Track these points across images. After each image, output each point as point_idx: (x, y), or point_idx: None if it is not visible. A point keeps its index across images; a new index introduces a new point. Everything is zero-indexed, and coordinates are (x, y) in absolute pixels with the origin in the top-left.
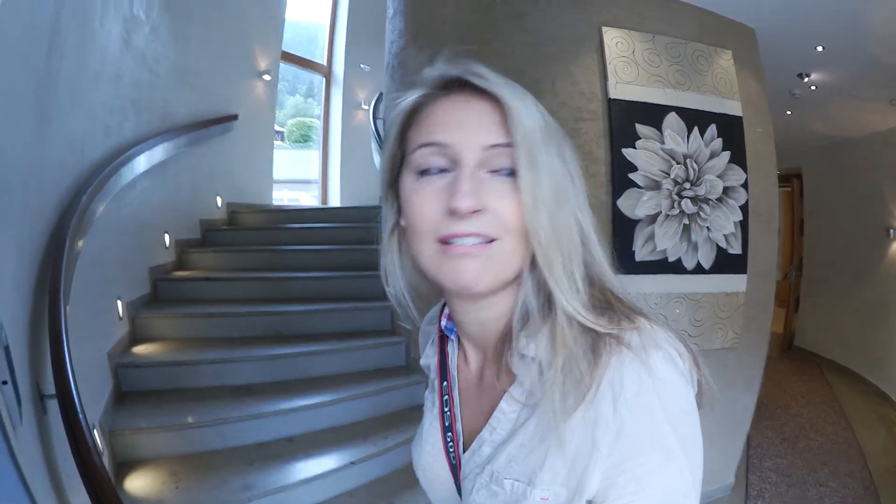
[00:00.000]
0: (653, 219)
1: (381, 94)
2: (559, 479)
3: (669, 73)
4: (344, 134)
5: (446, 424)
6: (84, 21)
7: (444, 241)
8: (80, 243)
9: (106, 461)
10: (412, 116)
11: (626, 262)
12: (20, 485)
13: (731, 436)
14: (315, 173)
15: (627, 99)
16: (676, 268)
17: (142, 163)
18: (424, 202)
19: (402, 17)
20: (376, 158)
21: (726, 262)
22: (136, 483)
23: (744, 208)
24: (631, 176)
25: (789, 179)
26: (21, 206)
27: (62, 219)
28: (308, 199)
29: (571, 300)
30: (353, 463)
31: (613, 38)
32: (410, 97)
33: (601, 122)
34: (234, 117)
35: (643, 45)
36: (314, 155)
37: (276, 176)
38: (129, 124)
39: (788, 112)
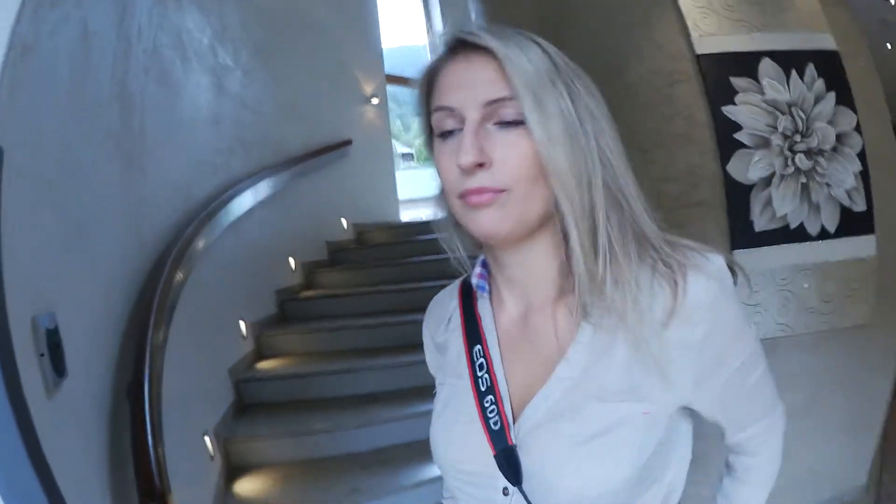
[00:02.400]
0: (767, 181)
1: None
2: (657, 389)
3: (751, 14)
4: None
5: (482, 389)
6: (162, 78)
7: (463, 196)
8: (181, 274)
9: (217, 466)
10: (431, 80)
11: (744, 234)
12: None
13: (863, 428)
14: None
15: (714, 52)
16: (799, 235)
17: (253, 195)
18: (444, 163)
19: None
20: None
21: (851, 223)
22: (246, 485)
23: (861, 156)
24: (737, 136)
25: None
26: (117, 245)
27: (164, 253)
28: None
29: (583, 237)
30: None
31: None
32: (427, 65)
33: (695, 82)
34: (348, 142)
35: None
36: None
37: (411, 195)
38: (238, 161)
39: (888, 45)
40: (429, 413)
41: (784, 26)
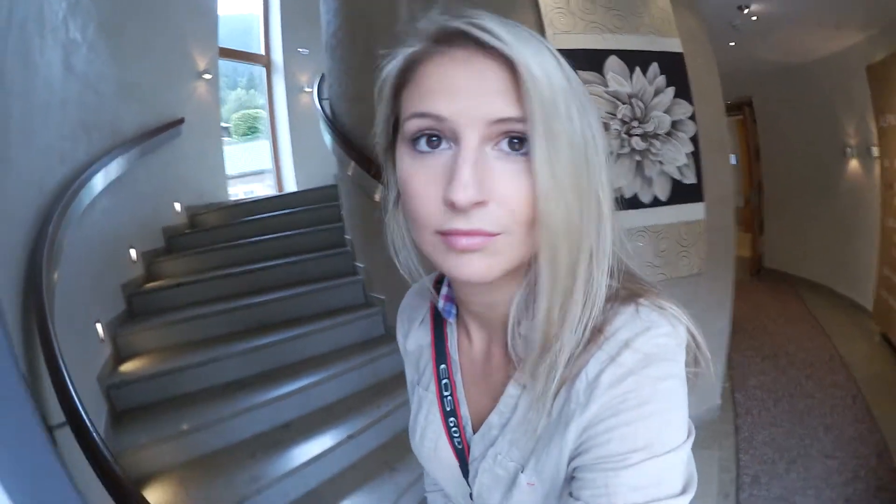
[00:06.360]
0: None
1: (323, 74)
2: (542, 464)
3: (606, 18)
4: (291, 120)
5: (447, 410)
6: (25, 56)
7: (446, 235)
8: (56, 275)
9: None
10: (406, 74)
11: None
12: None
13: (711, 359)
14: (266, 163)
15: (566, 48)
16: (634, 203)
17: (98, 183)
18: (420, 188)
19: None
20: (326, 138)
21: (682, 193)
22: (149, 498)
23: (694, 139)
24: None
25: (741, 108)
26: None
27: (34, 254)
28: (262, 189)
29: (556, 299)
30: (350, 437)
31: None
32: (403, 52)
33: None
34: (181, 121)
35: None
36: (263, 145)
37: (232, 171)
38: (82, 146)
39: (732, 43)
40: (297, 391)
41: (636, 30)
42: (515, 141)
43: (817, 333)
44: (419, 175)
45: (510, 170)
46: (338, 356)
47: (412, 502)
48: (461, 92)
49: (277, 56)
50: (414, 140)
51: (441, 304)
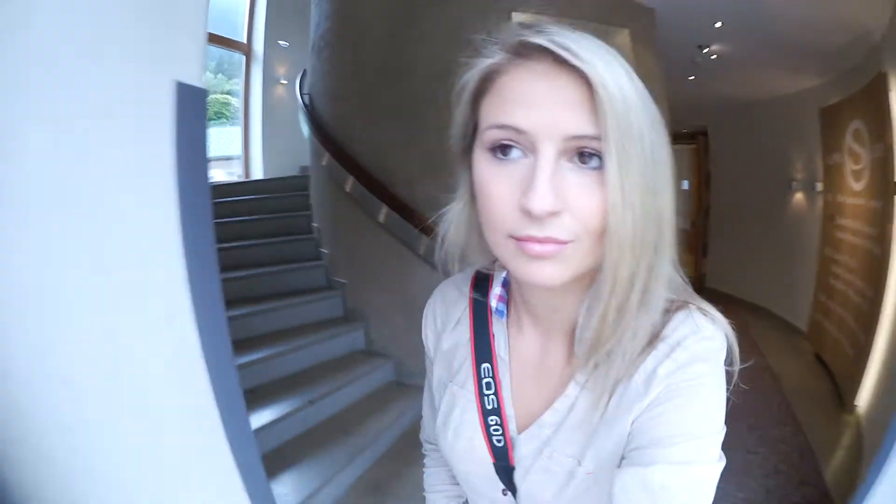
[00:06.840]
0: None
1: (305, 70)
2: (600, 452)
3: None
4: (264, 110)
5: (488, 408)
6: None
7: (520, 241)
8: None
9: None
10: (485, 83)
11: None
12: None
13: None
14: (230, 150)
15: None
16: None
17: None
18: (497, 192)
19: (328, 1)
20: (304, 129)
21: None
22: None
23: None
24: None
25: (695, 137)
26: None
27: None
28: (223, 175)
29: (612, 303)
30: (310, 402)
31: (522, 22)
32: (484, 62)
33: None
34: None
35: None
36: (228, 132)
37: None
38: None
39: (691, 77)
40: (261, 360)
41: None
42: (587, 155)
43: (751, 349)
44: (497, 180)
45: (583, 182)
46: (300, 332)
47: (365, 463)
48: (540, 105)
49: (258, 45)
50: (492, 149)
51: (494, 304)
